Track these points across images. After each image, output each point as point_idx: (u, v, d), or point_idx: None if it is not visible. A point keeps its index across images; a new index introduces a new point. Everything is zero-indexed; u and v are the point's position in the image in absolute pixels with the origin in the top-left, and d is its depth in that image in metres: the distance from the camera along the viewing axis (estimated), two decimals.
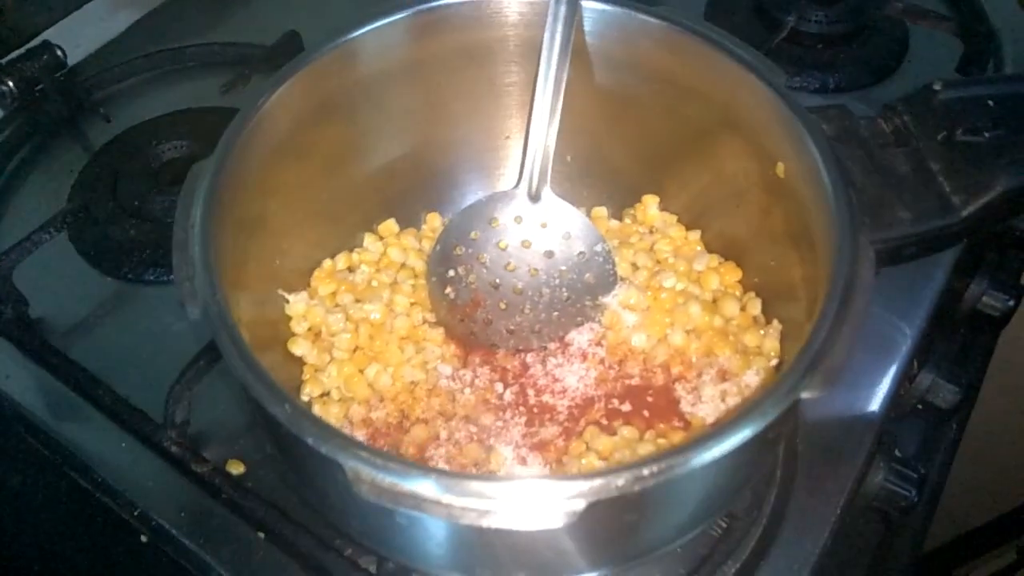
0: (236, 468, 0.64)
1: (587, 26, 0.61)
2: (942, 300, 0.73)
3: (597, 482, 0.38)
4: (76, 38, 0.96)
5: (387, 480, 0.38)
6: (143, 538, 0.63)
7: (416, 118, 0.66)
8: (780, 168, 0.56)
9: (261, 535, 0.60)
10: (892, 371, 0.68)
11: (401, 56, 0.61)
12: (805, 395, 0.42)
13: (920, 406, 0.76)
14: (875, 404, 0.67)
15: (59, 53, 0.89)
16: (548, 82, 0.60)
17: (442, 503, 0.37)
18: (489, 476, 0.39)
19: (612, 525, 0.45)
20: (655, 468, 0.39)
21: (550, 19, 0.59)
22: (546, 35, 0.59)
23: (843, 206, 0.48)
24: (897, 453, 0.70)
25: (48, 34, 0.93)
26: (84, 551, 0.66)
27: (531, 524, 0.38)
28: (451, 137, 0.68)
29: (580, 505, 0.38)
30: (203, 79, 0.94)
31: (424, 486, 0.38)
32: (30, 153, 0.89)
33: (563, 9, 0.58)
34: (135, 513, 0.63)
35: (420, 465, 0.39)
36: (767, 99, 0.55)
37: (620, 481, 0.38)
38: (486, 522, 0.38)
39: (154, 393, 0.67)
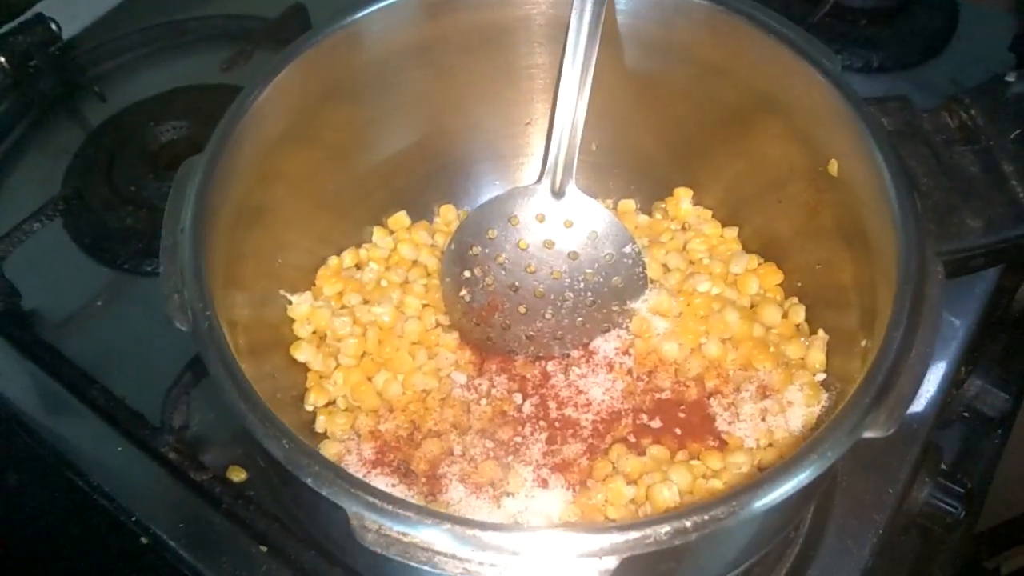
0: (237, 475, 0.61)
1: (619, 4, 0.56)
2: (992, 300, 0.69)
3: (632, 535, 0.34)
4: (71, 10, 0.91)
5: (396, 529, 0.34)
6: (143, 540, 0.60)
7: (428, 103, 0.61)
8: (833, 165, 0.51)
9: (263, 548, 0.57)
10: (940, 377, 0.64)
11: (412, 36, 0.56)
12: (869, 435, 0.37)
13: (966, 413, 0.72)
14: (921, 413, 0.63)
15: (53, 27, 0.85)
16: (576, 66, 0.55)
17: (458, 557, 0.33)
18: (511, 527, 0.35)
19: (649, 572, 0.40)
20: (698, 519, 0.34)
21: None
22: (574, 14, 0.54)
23: (908, 213, 0.43)
24: (943, 467, 0.65)
25: (42, 6, 0.88)
26: (83, 551, 0.63)
27: None
28: (466, 124, 0.63)
29: (612, 564, 0.33)
30: (204, 54, 0.89)
31: (438, 537, 0.33)
32: (23, 133, 0.85)
33: None
34: (132, 519, 0.60)
35: (433, 512, 0.34)
36: (820, 88, 0.49)
37: (661, 533, 0.34)
38: None
39: (152, 392, 0.63)
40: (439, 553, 0.33)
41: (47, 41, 0.84)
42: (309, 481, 0.35)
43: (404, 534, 0.34)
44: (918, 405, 0.63)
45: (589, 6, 0.54)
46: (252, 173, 0.53)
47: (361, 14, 0.54)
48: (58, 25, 0.85)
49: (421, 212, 0.66)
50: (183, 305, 0.42)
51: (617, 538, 0.34)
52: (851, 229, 0.50)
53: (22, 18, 0.85)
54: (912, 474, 0.61)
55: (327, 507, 0.36)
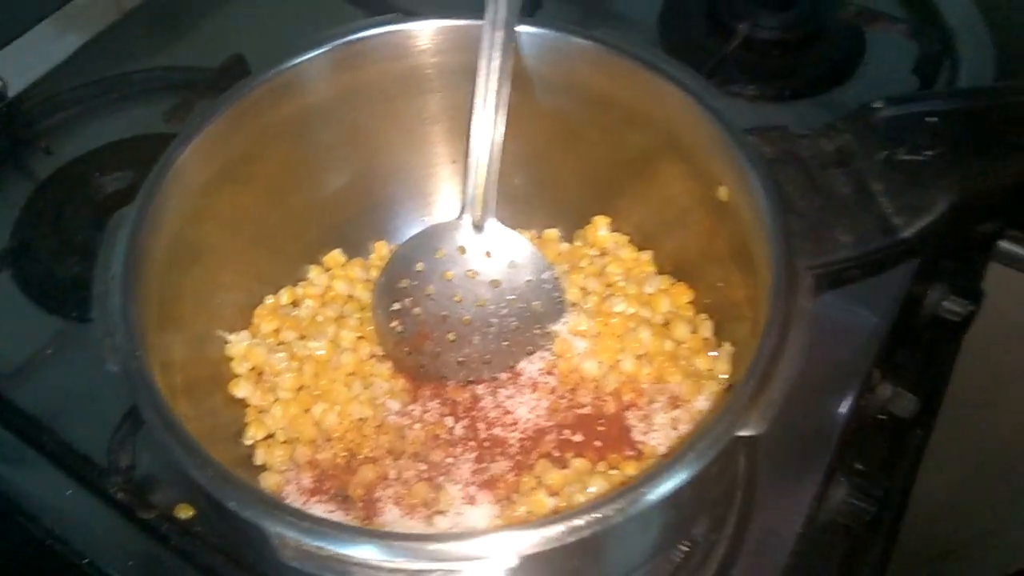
0: (185, 512, 0.62)
1: (524, 50, 0.60)
2: (903, 307, 0.73)
3: (537, 532, 0.37)
4: (17, 68, 0.93)
5: (312, 544, 0.36)
6: None
7: (351, 148, 0.65)
8: (722, 191, 0.55)
9: None
10: (852, 383, 0.67)
11: (327, 89, 0.60)
12: (743, 433, 0.41)
13: (882, 417, 0.76)
14: (835, 417, 0.66)
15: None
16: (486, 111, 0.59)
17: (370, 566, 0.36)
18: (414, 535, 0.38)
19: (556, 572, 0.43)
20: (589, 517, 0.37)
21: (485, 45, 0.57)
22: (481, 62, 0.58)
23: (780, 232, 0.47)
24: (859, 467, 0.69)
25: None
26: None
27: None
28: (391, 165, 0.67)
29: (514, 562, 0.36)
30: (147, 105, 0.91)
31: (350, 549, 0.36)
32: None
33: (500, 35, 0.57)
34: (84, 561, 0.61)
35: (345, 525, 0.37)
36: (706, 121, 0.54)
37: (557, 531, 0.37)
38: None
39: (99, 436, 0.64)
40: (352, 563, 0.36)
41: None
42: (232, 505, 0.38)
43: (319, 548, 0.36)
44: (833, 410, 0.66)
45: (497, 54, 0.57)
46: (185, 215, 0.55)
47: (281, 68, 0.57)
48: (4, 82, 0.87)
49: (356, 249, 0.69)
50: (114, 347, 0.45)
51: (514, 536, 0.37)
52: (740, 250, 0.54)
53: None
54: (828, 475, 0.64)
55: (254, 532, 0.39)
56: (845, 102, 0.89)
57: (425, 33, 0.60)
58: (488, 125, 0.59)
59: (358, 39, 0.58)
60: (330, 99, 0.61)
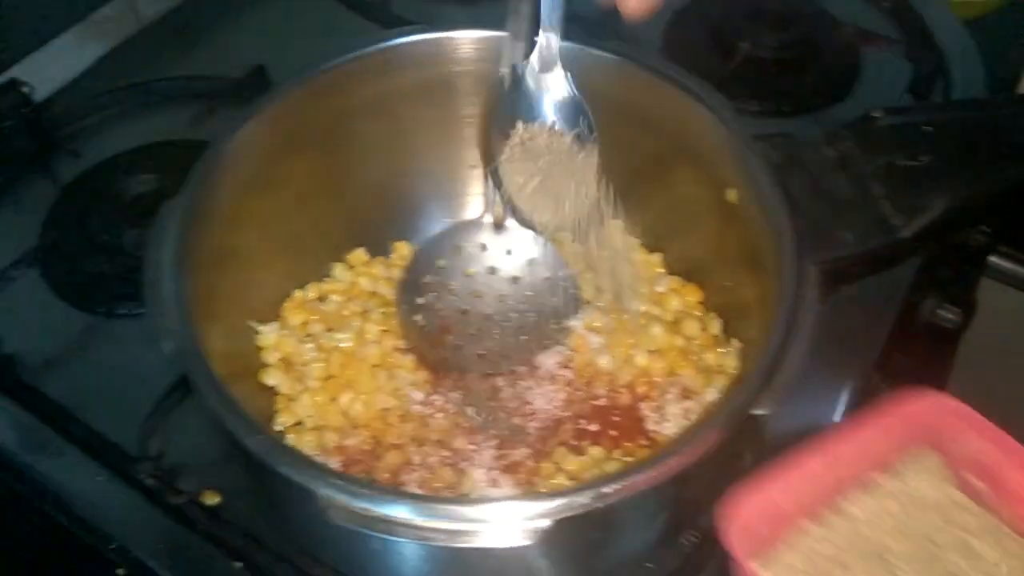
0: (212, 499, 0.64)
1: None
2: (900, 314, 0.75)
3: (560, 501, 0.40)
4: (42, 74, 0.96)
5: (358, 505, 0.39)
6: (120, 571, 0.63)
7: (382, 150, 0.68)
8: (731, 194, 0.58)
9: (239, 565, 0.61)
10: (851, 386, 0.70)
11: (364, 91, 0.63)
12: (758, 411, 0.44)
13: None
14: (836, 419, 0.68)
15: (25, 90, 0.89)
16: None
17: (413, 526, 0.39)
18: (456, 498, 0.41)
19: (580, 542, 0.46)
20: (617, 485, 0.40)
21: (506, 57, 0.60)
22: (503, 71, 0.61)
23: (787, 230, 0.50)
24: None
25: (14, 71, 0.93)
26: None
27: (499, 542, 0.39)
28: (416, 168, 0.70)
29: (546, 523, 0.39)
30: (170, 113, 0.94)
31: (396, 510, 0.39)
32: None
33: (520, 47, 0.59)
34: (112, 547, 0.63)
35: (390, 489, 0.40)
36: (716, 128, 0.57)
37: (584, 499, 0.40)
38: (455, 542, 0.39)
39: (128, 426, 0.67)
40: (396, 523, 0.39)
41: (19, 104, 0.89)
42: (283, 470, 0.41)
43: (366, 509, 0.39)
44: (833, 412, 0.69)
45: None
46: (224, 217, 0.58)
47: (317, 72, 0.60)
48: (30, 88, 0.90)
49: (378, 248, 0.72)
50: (167, 328, 0.47)
51: (548, 504, 0.40)
52: (749, 250, 0.57)
53: None
54: None
55: (300, 496, 0.42)
56: (842, 117, 0.92)
57: (465, 43, 0.63)
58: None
59: (398, 44, 0.61)
60: (360, 104, 0.64)
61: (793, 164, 0.55)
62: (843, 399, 0.69)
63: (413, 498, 0.40)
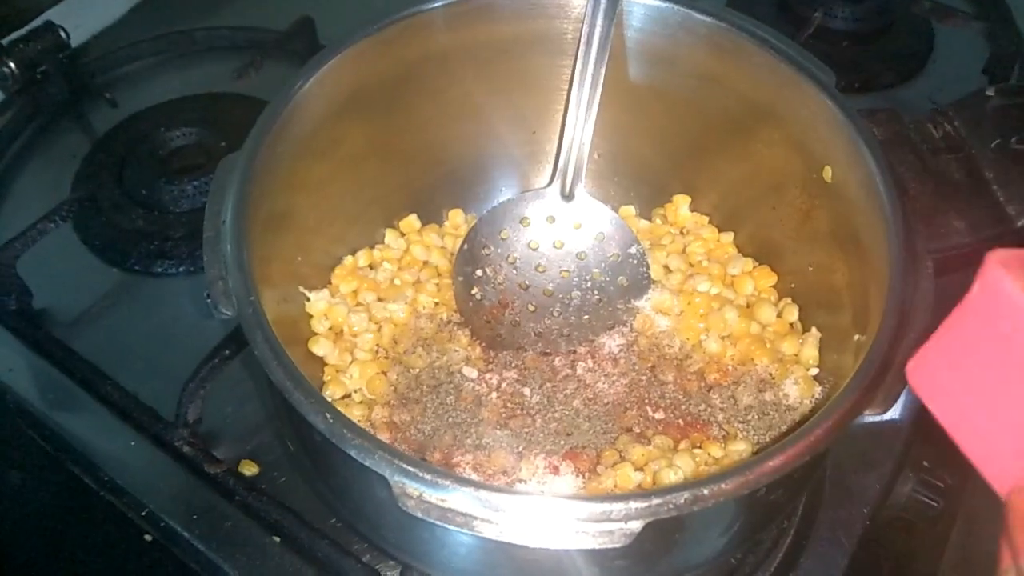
0: (250, 469, 0.62)
1: (628, 20, 0.59)
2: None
3: (656, 501, 0.36)
4: (79, 18, 0.93)
5: (435, 496, 0.36)
6: (147, 537, 0.61)
7: (443, 111, 0.64)
8: (827, 172, 0.54)
9: (276, 539, 0.59)
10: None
11: (433, 46, 0.59)
12: (868, 413, 0.40)
13: None
14: (904, 412, 0.65)
15: (62, 34, 0.86)
16: (586, 77, 0.58)
17: (492, 522, 0.36)
18: (543, 495, 0.38)
19: (660, 545, 0.43)
20: (717, 487, 0.37)
21: (589, 11, 0.57)
22: (584, 28, 0.57)
23: (899, 214, 0.46)
24: (924, 463, 0.68)
25: (50, 14, 0.90)
26: (86, 549, 0.63)
27: (589, 544, 0.36)
28: (477, 131, 0.66)
29: (637, 527, 0.36)
30: (212, 64, 0.91)
31: (475, 504, 0.36)
32: (31, 138, 0.86)
33: (604, 2, 0.56)
34: (143, 513, 0.61)
35: (470, 481, 0.37)
36: (815, 99, 0.53)
37: (680, 500, 0.36)
38: (538, 543, 0.36)
39: (162, 389, 0.65)
40: (475, 518, 0.36)
41: (56, 48, 0.86)
42: (353, 452, 0.37)
43: (443, 500, 0.36)
44: (901, 404, 0.66)
45: (600, 21, 0.57)
46: (280, 178, 0.55)
47: (383, 25, 0.56)
48: (67, 32, 0.87)
49: (431, 216, 0.69)
50: (227, 292, 0.44)
51: (642, 504, 0.36)
52: (844, 232, 0.53)
53: (31, 25, 0.87)
54: (896, 469, 0.64)
55: (366, 479, 0.38)
56: (913, 98, 0.89)
57: None
58: (587, 92, 0.58)
59: None
60: (427, 61, 0.60)
61: (899, 141, 0.51)
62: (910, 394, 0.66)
63: (494, 491, 0.36)
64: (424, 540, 0.45)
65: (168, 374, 0.65)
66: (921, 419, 0.67)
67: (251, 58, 0.88)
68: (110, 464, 0.63)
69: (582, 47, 0.57)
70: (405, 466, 0.37)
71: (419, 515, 0.36)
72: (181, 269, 0.74)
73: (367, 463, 0.37)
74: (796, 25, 0.90)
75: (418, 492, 0.36)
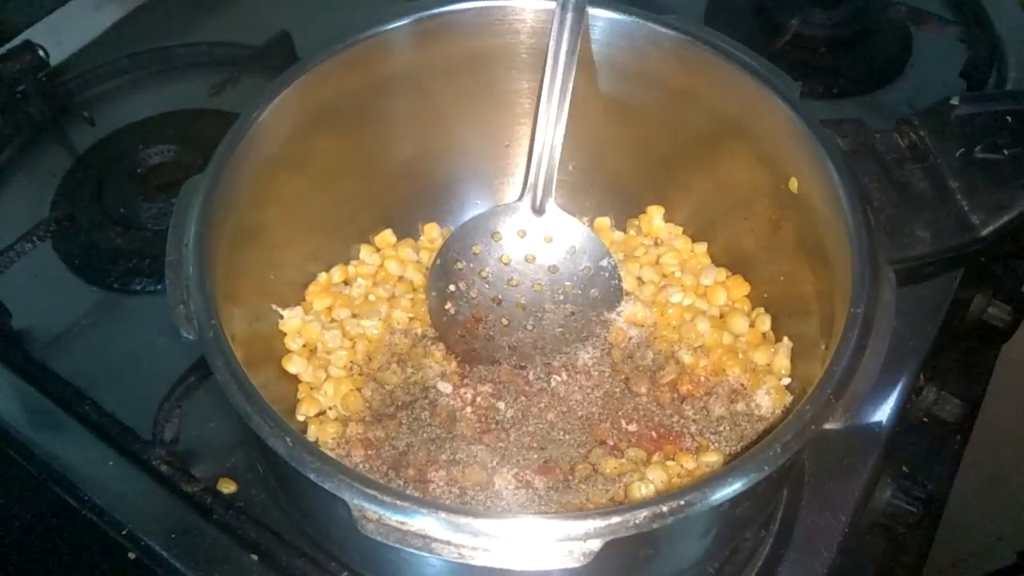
0: (227, 487, 0.62)
1: (594, 34, 0.59)
2: (949, 312, 0.72)
3: (614, 520, 0.36)
4: (58, 37, 0.93)
5: (394, 519, 0.36)
6: (131, 555, 0.60)
7: (414, 127, 0.64)
8: (793, 183, 0.54)
9: (254, 557, 0.58)
10: (900, 385, 0.67)
11: (401, 63, 0.59)
12: (829, 426, 0.40)
13: (925, 419, 0.75)
14: (882, 418, 0.66)
15: (41, 53, 0.86)
16: (554, 91, 0.58)
17: (452, 544, 0.36)
18: (502, 514, 0.38)
19: (626, 561, 0.43)
20: (675, 504, 0.37)
21: (555, 26, 0.57)
22: (551, 43, 0.58)
23: (861, 225, 0.46)
24: (904, 469, 0.69)
25: (29, 33, 0.90)
26: (70, 569, 0.63)
27: (546, 564, 0.36)
28: (450, 145, 0.66)
29: (596, 545, 0.36)
30: (191, 80, 0.91)
31: (434, 526, 0.36)
32: (11, 157, 0.86)
33: (570, 16, 0.56)
34: (123, 532, 0.61)
35: (429, 502, 0.37)
36: (780, 112, 0.53)
37: (640, 517, 0.37)
38: (498, 563, 0.36)
39: (141, 408, 0.65)
40: (434, 540, 0.36)
41: (35, 67, 0.86)
42: (312, 476, 0.37)
43: (402, 523, 0.36)
44: (880, 411, 0.66)
45: (567, 35, 0.57)
46: (249, 195, 0.55)
47: (352, 41, 0.56)
48: (46, 51, 0.86)
49: (406, 230, 0.69)
50: (188, 316, 0.44)
51: (600, 522, 0.36)
52: (810, 242, 0.54)
53: (10, 44, 0.87)
54: (874, 476, 0.64)
55: (327, 502, 0.38)
56: (891, 102, 0.89)
57: (518, 14, 0.59)
58: (555, 108, 0.58)
59: (443, 12, 0.57)
60: (396, 77, 0.60)
61: (864, 152, 0.51)
62: (891, 401, 0.66)
63: (453, 513, 0.36)
64: (389, 561, 0.45)
65: (145, 392, 0.65)
66: (900, 425, 0.67)
67: (229, 74, 0.88)
68: (90, 484, 0.63)
69: (549, 61, 0.58)
70: (364, 488, 0.37)
71: (379, 538, 0.36)
72: (159, 287, 0.74)
73: (326, 486, 0.37)
74: (773, 32, 0.91)
75: (377, 515, 0.36)
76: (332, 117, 0.59)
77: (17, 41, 0.87)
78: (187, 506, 0.61)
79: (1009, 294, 0.80)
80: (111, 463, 0.63)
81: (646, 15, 0.57)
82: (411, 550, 0.36)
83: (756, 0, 0.94)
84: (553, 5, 0.57)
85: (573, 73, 0.58)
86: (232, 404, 0.42)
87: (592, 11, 0.58)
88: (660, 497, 0.37)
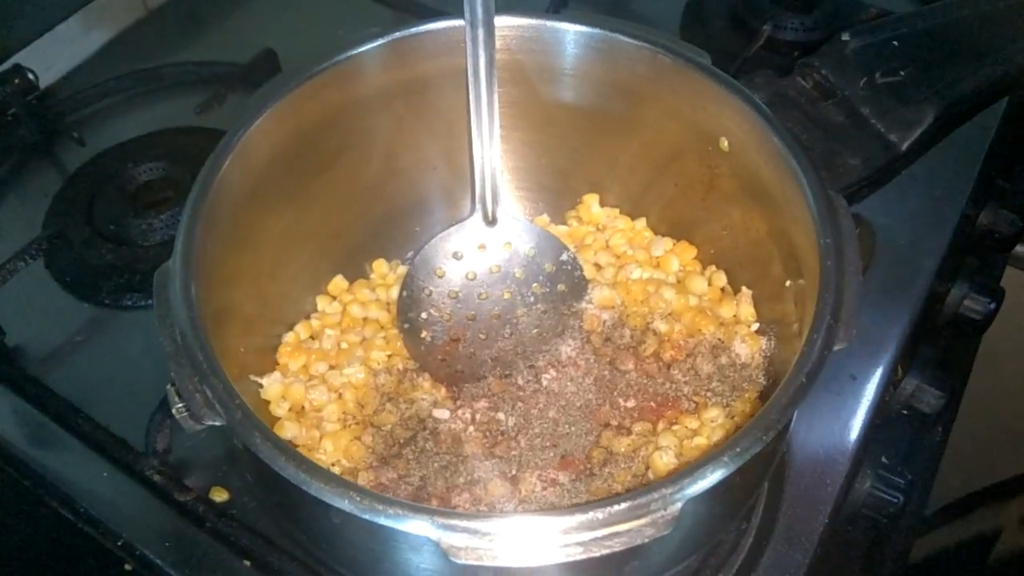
0: (220, 496, 0.63)
1: (500, 43, 0.60)
2: (925, 305, 0.73)
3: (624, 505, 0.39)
4: (47, 60, 0.94)
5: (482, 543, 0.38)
6: (127, 567, 0.61)
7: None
8: (723, 142, 0.56)
9: (247, 563, 0.60)
10: (877, 377, 0.68)
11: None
12: (837, 347, 0.43)
13: (905, 411, 0.76)
14: (860, 411, 0.67)
15: (30, 76, 0.88)
16: (481, 105, 0.59)
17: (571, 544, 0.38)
18: (584, 508, 0.39)
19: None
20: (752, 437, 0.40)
21: (469, 46, 0.57)
22: (468, 59, 0.58)
23: (806, 165, 0.48)
24: (883, 460, 0.70)
25: (19, 57, 0.91)
26: None
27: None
28: (378, 176, 0.66)
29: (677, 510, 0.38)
30: (178, 99, 0.92)
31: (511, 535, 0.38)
32: (2, 177, 0.87)
33: (481, 33, 0.56)
34: (119, 543, 0.61)
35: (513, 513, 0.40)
36: (697, 80, 0.55)
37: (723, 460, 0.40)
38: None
39: (134, 420, 0.66)
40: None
41: (25, 90, 0.87)
42: (390, 523, 0.39)
43: (491, 540, 0.38)
44: (858, 403, 0.67)
45: (482, 52, 0.57)
46: (215, 277, 0.54)
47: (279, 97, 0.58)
48: (35, 75, 0.88)
49: (355, 272, 0.68)
50: (209, 403, 0.45)
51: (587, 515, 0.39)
52: (754, 188, 0.55)
53: (0, 69, 0.89)
54: (854, 467, 0.65)
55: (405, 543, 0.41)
56: None
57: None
58: (487, 119, 0.59)
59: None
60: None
61: (780, 100, 0.53)
62: (868, 393, 0.67)
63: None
64: (383, 565, 0.46)
65: (138, 405, 0.66)
66: (878, 416, 0.68)
67: (215, 92, 0.90)
68: (85, 496, 0.64)
69: (470, 79, 0.58)
70: (447, 521, 0.39)
71: (472, 563, 0.38)
72: (150, 302, 0.74)
73: (405, 528, 0.39)
74: (747, 37, 0.92)
75: (464, 543, 0.38)
76: (271, 178, 0.59)
77: (7, 65, 0.88)
78: (180, 515, 0.62)
79: (985, 286, 0.81)
80: (105, 475, 0.64)
81: (551, 16, 0.59)
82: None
83: (730, 6, 0.95)
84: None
85: (495, 86, 0.59)
86: (284, 476, 0.42)
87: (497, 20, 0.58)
88: (733, 440, 0.40)
